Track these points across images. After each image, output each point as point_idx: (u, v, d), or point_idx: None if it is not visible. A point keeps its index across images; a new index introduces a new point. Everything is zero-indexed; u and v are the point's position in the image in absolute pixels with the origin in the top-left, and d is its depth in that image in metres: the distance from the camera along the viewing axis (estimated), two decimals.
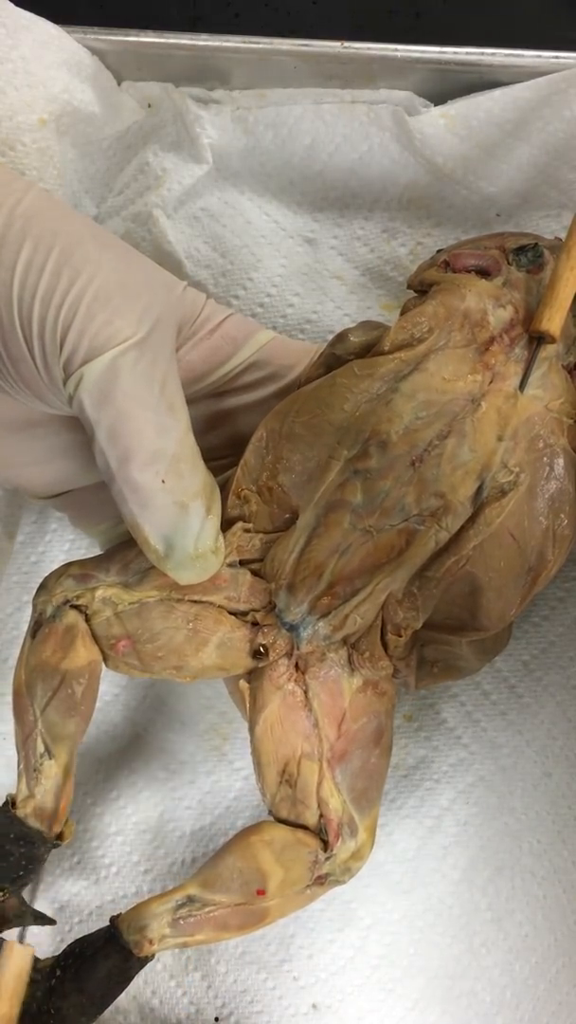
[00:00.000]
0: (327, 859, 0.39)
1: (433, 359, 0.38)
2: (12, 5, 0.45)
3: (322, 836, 0.39)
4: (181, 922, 0.38)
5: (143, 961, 0.38)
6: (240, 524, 0.40)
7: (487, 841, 0.47)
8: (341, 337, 0.40)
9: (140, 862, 0.49)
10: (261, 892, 0.38)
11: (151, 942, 0.38)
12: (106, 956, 0.38)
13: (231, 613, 0.40)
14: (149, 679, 0.50)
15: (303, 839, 0.39)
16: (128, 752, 0.50)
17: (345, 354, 0.40)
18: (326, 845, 0.39)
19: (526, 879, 0.47)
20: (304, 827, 0.39)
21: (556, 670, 0.48)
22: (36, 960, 0.39)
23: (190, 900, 0.38)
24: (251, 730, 0.40)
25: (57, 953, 0.39)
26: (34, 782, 0.39)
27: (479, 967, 0.46)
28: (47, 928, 0.48)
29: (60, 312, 0.34)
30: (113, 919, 0.38)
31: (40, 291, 0.34)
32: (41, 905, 0.48)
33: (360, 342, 0.39)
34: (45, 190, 0.36)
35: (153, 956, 0.38)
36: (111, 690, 0.51)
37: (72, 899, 0.48)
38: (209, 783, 0.49)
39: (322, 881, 0.39)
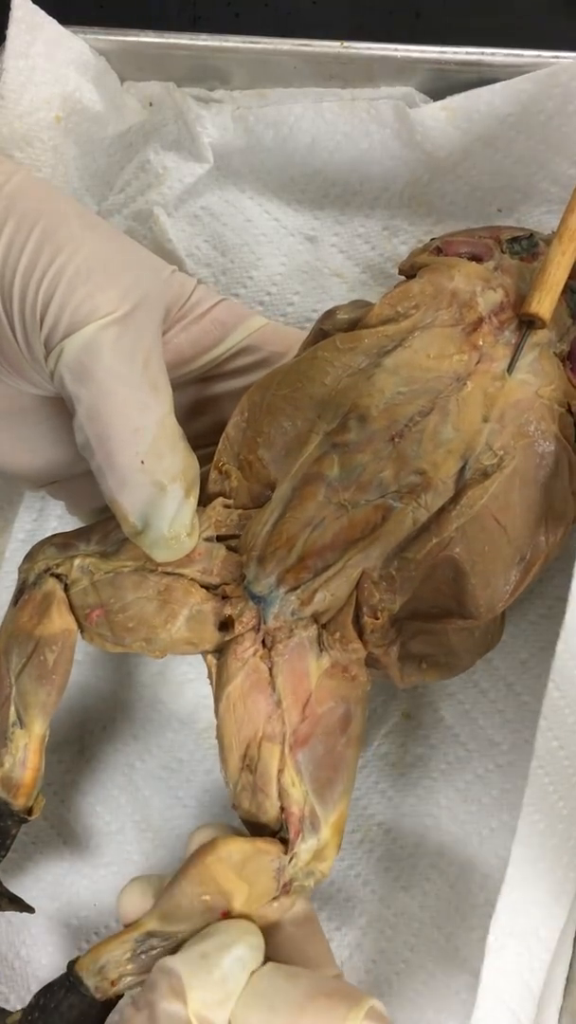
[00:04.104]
0: (290, 860, 0.36)
1: (418, 336, 0.37)
2: (30, 2, 0.45)
3: (282, 834, 0.37)
4: (143, 956, 0.36)
5: (109, 1003, 0.37)
6: (220, 499, 0.40)
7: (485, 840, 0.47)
8: (330, 314, 0.40)
9: (140, 861, 0.49)
10: (224, 914, 0.35)
11: (112, 983, 0.36)
12: (70, 1006, 0.36)
13: (203, 586, 0.40)
14: (148, 679, 0.50)
15: (262, 847, 0.36)
16: (127, 751, 0.50)
17: (333, 330, 0.39)
18: (287, 845, 0.36)
19: None
20: (262, 830, 0.37)
21: None
22: (4, 1014, 0.38)
23: (150, 935, 0.36)
24: (215, 708, 0.39)
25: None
26: (4, 751, 0.39)
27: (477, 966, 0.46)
28: (46, 927, 0.48)
29: (40, 286, 0.34)
30: (70, 965, 0.37)
31: (21, 266, 0.34)
32: (40, 903, 0.48)
33: (348, 318, 0.39)
34: (32, 173, 0.36)
35: (122, 995, 0.37)
36: (109, 687, 0.51)
37: (71, 897, 0.48)
38: (208, 781, 0.49)
39: (287, 889, 0.36)
